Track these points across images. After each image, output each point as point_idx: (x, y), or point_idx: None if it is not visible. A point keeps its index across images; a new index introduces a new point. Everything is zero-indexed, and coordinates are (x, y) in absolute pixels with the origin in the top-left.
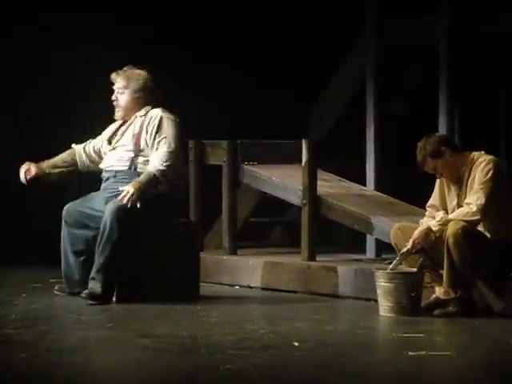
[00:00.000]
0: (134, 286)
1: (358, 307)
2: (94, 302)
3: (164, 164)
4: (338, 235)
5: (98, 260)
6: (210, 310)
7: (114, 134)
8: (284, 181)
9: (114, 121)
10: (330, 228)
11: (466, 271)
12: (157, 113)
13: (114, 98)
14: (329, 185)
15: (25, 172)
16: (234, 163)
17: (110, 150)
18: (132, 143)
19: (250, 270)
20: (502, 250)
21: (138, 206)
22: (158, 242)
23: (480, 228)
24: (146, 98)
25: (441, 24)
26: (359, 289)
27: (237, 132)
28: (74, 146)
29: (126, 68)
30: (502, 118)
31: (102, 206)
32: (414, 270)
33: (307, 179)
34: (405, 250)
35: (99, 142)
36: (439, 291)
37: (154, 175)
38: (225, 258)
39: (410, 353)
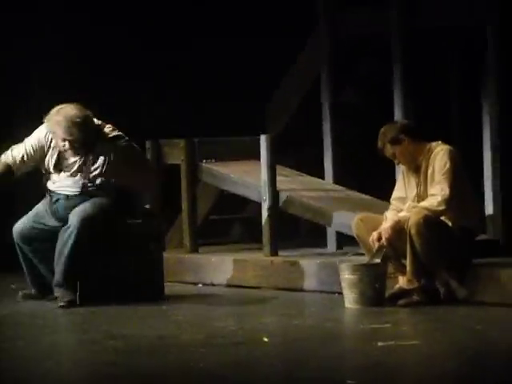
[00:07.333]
0: (97, 288)
1: (323, 300)
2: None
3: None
4: (298, 230)
5: (66, 265)
6: (176, 309)
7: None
8: (243, 177)
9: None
10: (290, 222)
11: (429, 260)
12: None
13: None
14: (288, 180)
15: None
16: (191, 162)
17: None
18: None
19: (212, 267)
20: (463, 237)
21: None
22: (121, 243)
23: (441, 216)
24: None
25: (391, 15)
26: (323, 282)
27: (194, 131)
28: (5, 159)
29: None
30: (453, 107)
31: (53, 221)
32: (378, 261)
33: (267, 175)
34: (377, 247)
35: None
36: (403, 281)
37: None
38: (187, 256)
39: (380, 343)
